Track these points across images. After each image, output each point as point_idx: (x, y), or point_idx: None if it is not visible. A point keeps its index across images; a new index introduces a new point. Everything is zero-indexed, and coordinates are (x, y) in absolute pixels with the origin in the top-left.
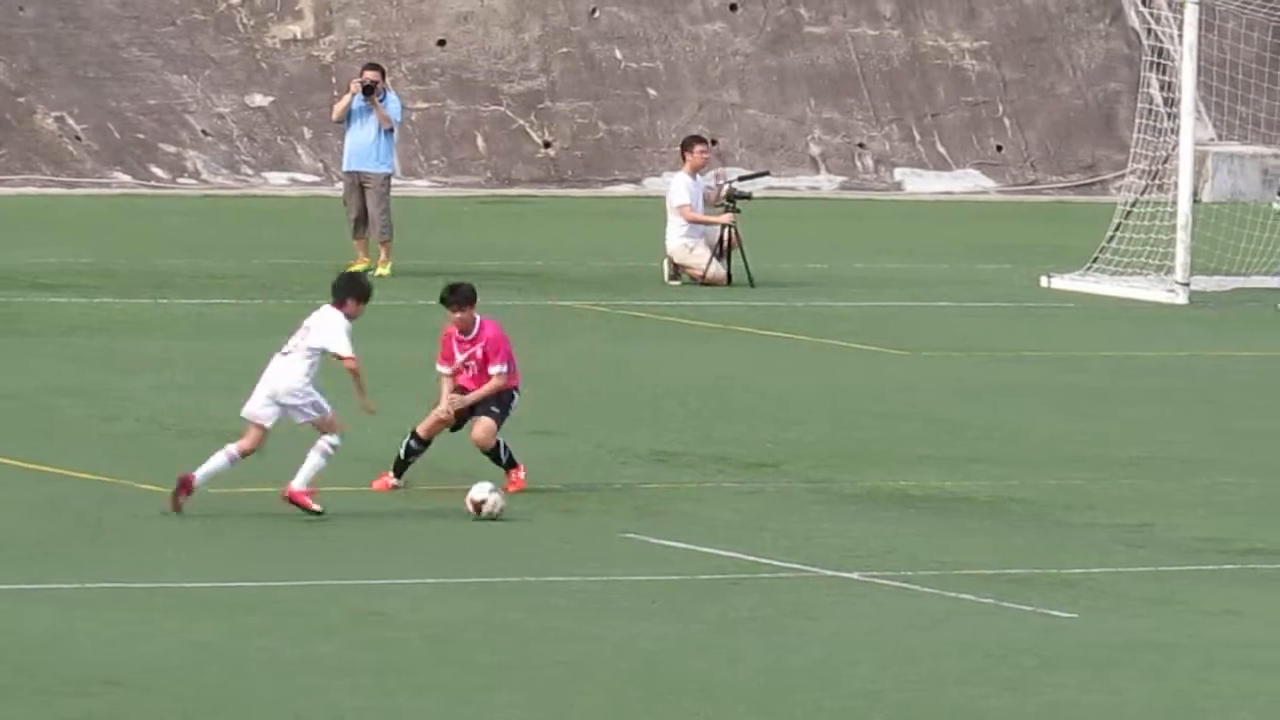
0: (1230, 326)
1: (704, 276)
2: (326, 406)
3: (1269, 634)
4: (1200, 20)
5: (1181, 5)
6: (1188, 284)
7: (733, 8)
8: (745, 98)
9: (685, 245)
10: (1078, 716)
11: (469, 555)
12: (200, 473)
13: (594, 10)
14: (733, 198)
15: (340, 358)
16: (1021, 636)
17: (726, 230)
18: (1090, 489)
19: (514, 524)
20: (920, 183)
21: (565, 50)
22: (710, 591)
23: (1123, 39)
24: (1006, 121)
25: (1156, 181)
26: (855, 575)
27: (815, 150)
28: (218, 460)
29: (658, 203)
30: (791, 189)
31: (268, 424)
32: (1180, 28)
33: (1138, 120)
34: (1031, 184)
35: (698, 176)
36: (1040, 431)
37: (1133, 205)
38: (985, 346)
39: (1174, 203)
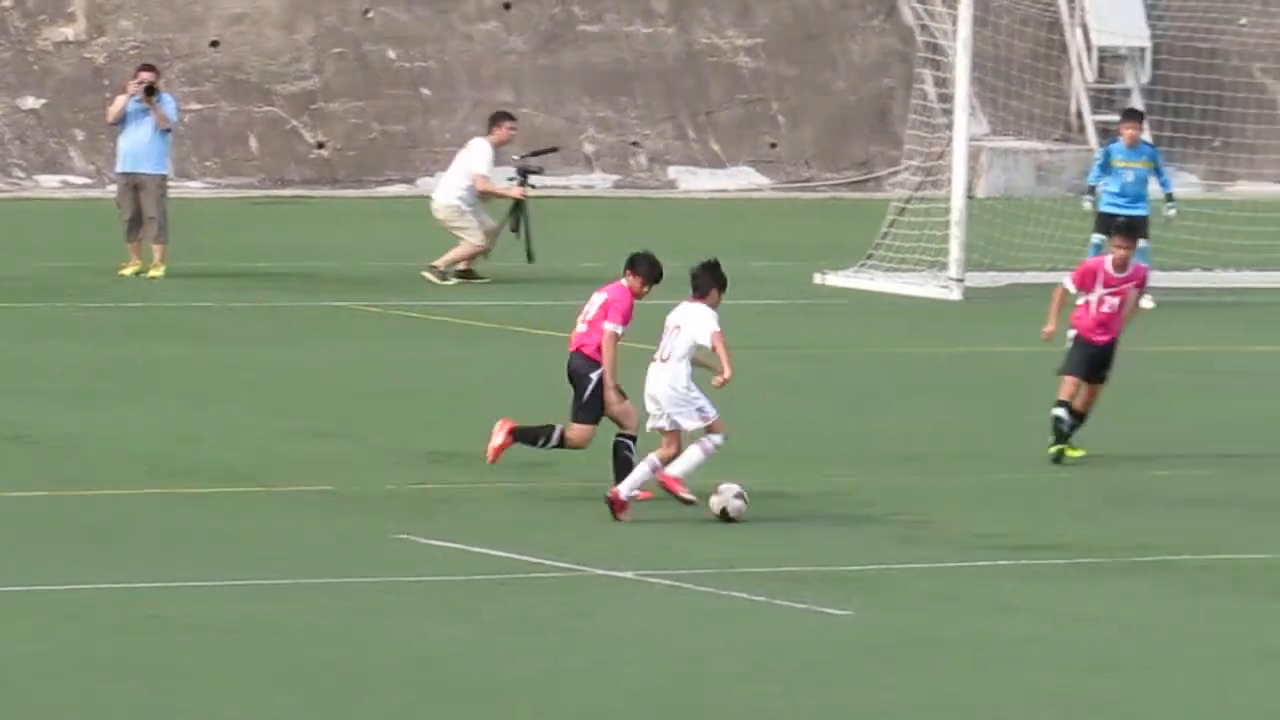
0: (1004, 321)
1: (474, 252)
2: (711, 410)
3: (1042, 629)
4: (974, 16)
5: (955, 1)
6: (962, 280)
7: (506, 7)
8: (519, 97)
9: (459, 208)
10: (851, 713)
11: (244, 558)
12: (624, 488)
13: (367, 10)
14: (524, 172)
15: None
16: (795, 634)
17: (516, 205)
18: (865, 485)
19: (289, 526)
20: (694, 181)
21: (338, 51)
22: (486, 592)
23: (897, 35)
24: (781, 119)
25: (930, 178)
26: (629, 574)
27: (589, 149)
28: (641, 470)
29: (431, 203)
30: (565, 188)
31: (668, 427)
32: (954, 23)
33: (911, 116)
34: (806, 181)
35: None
36: (815, 428)
37: (907, 201)
38: (759, 343)
39: (948, 199)
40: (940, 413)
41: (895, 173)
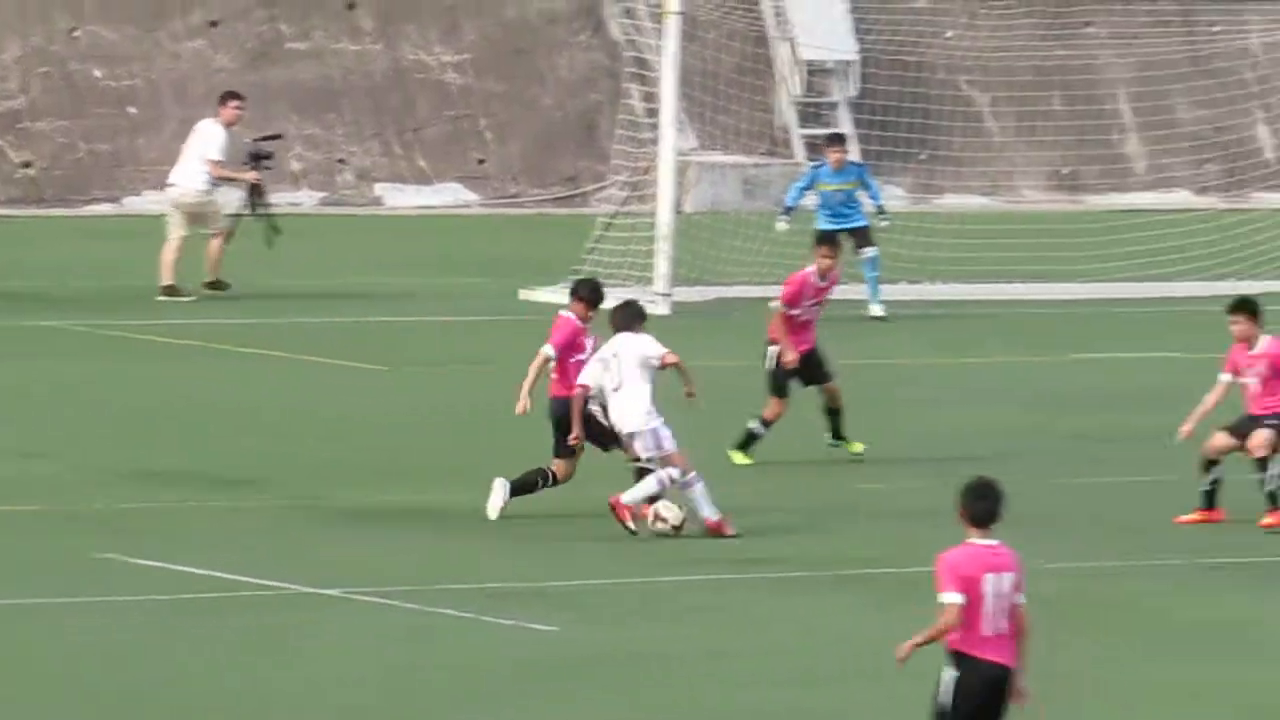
0: (711, 335)
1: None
2: (669, 443)
3: (748, 643)
4: (681, 30)
5: (662, 15)
6: (669, 294)
7: (213, 25)
8: None
9: (205, 191)
10: None
11: None
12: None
13: (73, 29)
14: (256, 156)
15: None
16: (503, 650)
17: (253, 188)
18: (569, 501)
19: None
20: (401, 197)
21: (44, 70)
22: (194, 611)
23: (604, 50)
24: (488, 134)
25: (637, 192)
26: (337, 592)
27: (296, 166)
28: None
29: (139, 221)
30: (273, 205)
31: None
32: (661, 38)
33: (618, 132)
34: (513, 196)
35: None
36: (520, 443)
37: (614, 216)
38: (466, 359)
39: (655, 213)
40: None
41: (602, 188)
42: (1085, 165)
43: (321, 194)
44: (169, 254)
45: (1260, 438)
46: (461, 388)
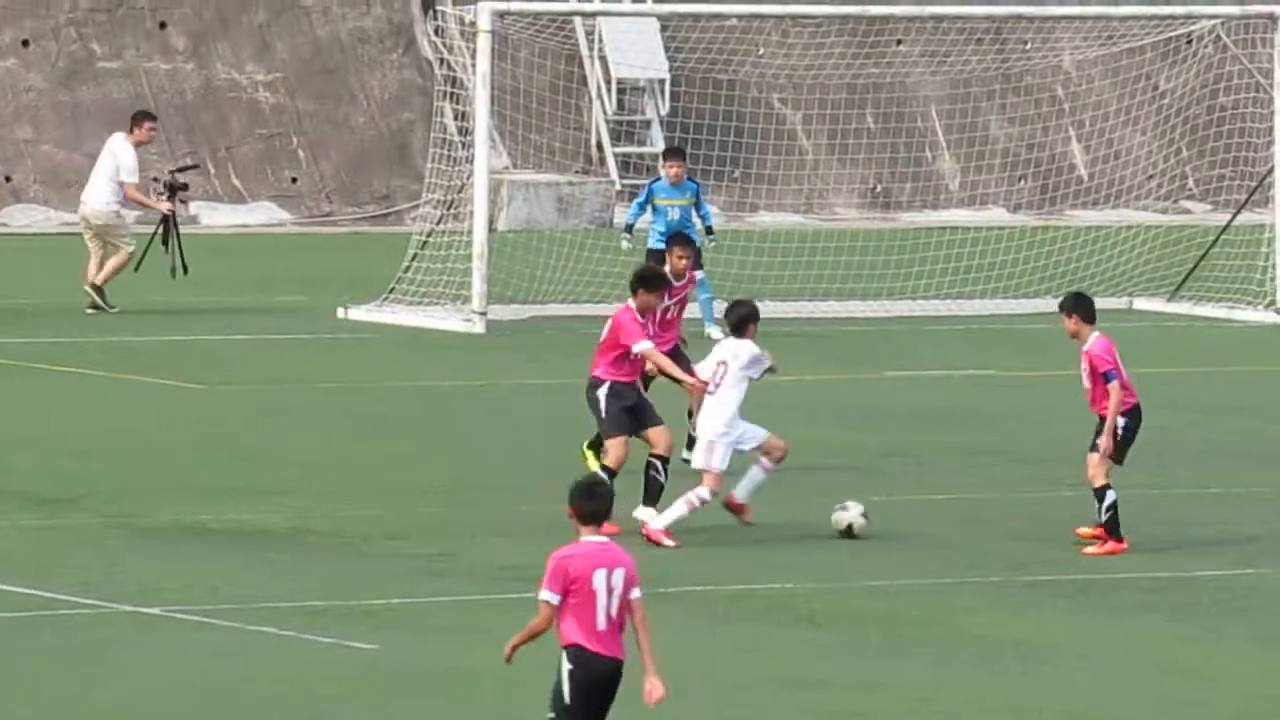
0: (527, 354)
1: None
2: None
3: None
4: (493, 49)
5: (474, 34)
6: (484, 313)
7: (24, 44)
8: (39, 134)
9: (116, 212)
10: None
11: None
12: (741, 493)
13: None
14: (173, 188)
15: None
16: (323, 668)
17: (166, 219)
18: (390, 518)
19: None
20: (216, 216)
21: None
22: (6, 630)
23: (416, 69)
24: (301, 153)
25: (452, 211)
26: (156, 610)
27: None
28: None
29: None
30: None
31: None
32: (473, 56)
33: (432, 150)
34: (327, 215)
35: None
36: (340, 461)
37: (429, 235)
38: (283, 378)
39: (470, 232)
40: (464, 445)
41: (416, 206)
42: (898, 183)
43: (137, 212)
44: (120, 260)
45: (1090, 467)
46: (280, 406)
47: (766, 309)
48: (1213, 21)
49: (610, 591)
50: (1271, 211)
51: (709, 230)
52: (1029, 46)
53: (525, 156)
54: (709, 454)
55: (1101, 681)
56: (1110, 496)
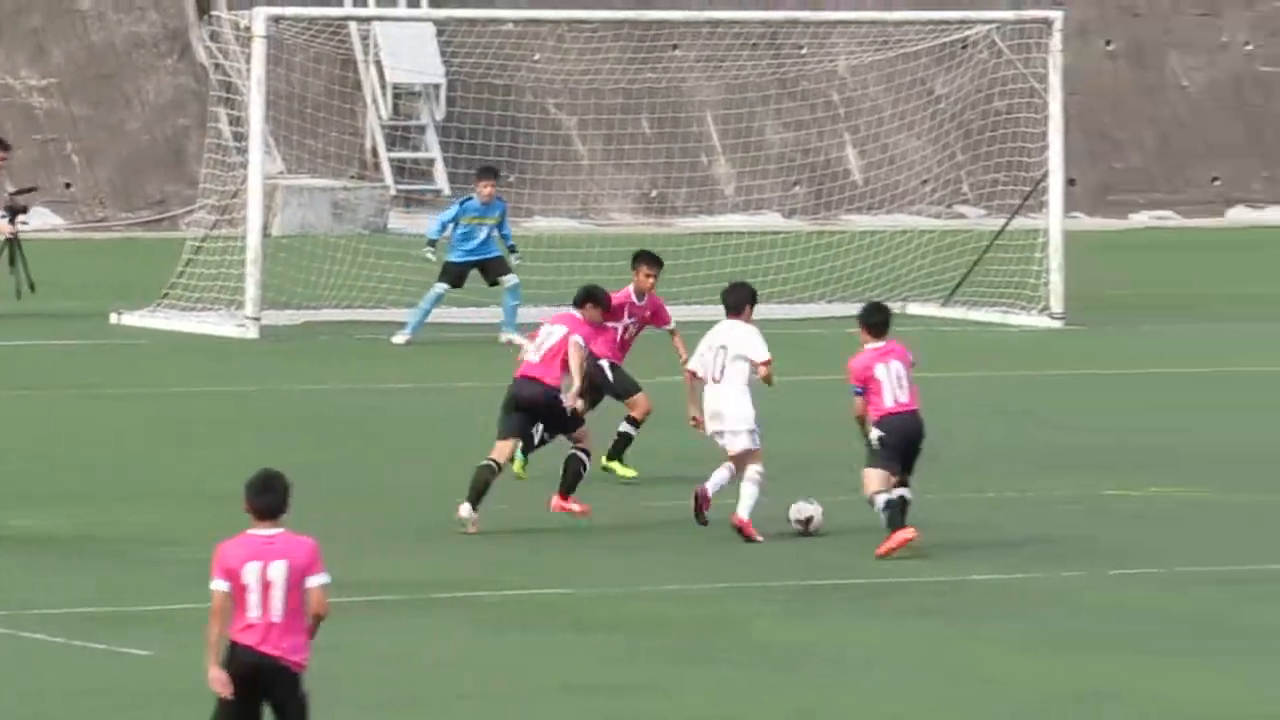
0: (301, 359)
1: None
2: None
3: (344, 668)
4: (268, 54)
5: (249, 39)
6: (258, 318)
7: None
8: None
9: None
10: None
11: None
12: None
13: None
14: (13, 210)
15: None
16: (93, 676)
17: (9, 243)
18: (167, 523)
19: None
20: None
21: None
22: None
23: (191, 74)
24: (76, 159)
25: (226, 216)
26: None
27: None
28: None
29: None
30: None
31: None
32: (248, 61)
33: (207, 155)
34: (101, 221)
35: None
36: (117, 466)
37: (203, 240)
38: (58, 384)
39: (244, 237)
40: (240, 451)
41: (191, 211)
42: (673, 188)
43: None
44: None
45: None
46: (54, 412)
47: (540, 315)
48: (988, 26)
49: (267, 586)
50: (1045, 216)
51: (512, 249)
52: (804, 51)
53: (300, 161)
54: (750, 439)
55: (886, 685)
56: (880, 501)
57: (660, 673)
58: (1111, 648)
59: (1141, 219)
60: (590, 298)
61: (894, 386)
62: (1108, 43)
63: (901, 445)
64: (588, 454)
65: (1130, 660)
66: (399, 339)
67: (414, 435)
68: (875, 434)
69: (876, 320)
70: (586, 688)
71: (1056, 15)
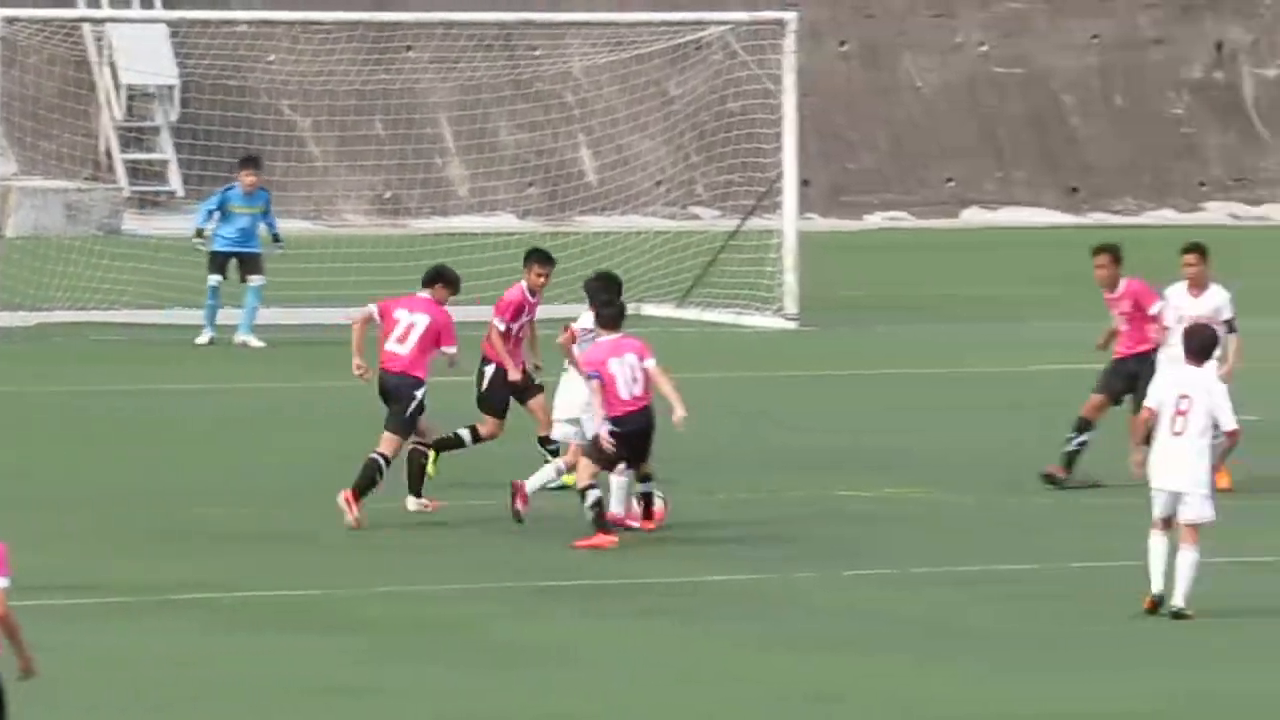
0: (36, 361)
1: None
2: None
3: (77, 672)
4: (2, 55)
5: None
6: None
7: None
8: None
9: None
10: None
11: None
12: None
13: None
14: None
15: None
16: None
17: None
18: None
19: None
20: None
21: None
22: None
23: None
24: None
25: None
26: None
27: None
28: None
29: None
30: None
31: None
32: None
33: None
34: None
35: None
36: None
37: None
38: None
39: None
40: None
41: None
42: (407, 189)
43: None
44: None
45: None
46: None
47: (276, 315)
48: (722, 28)
49: None
50: (780, 217)
51: (276, 238)
52: (538, 53)
53: (33, 163)
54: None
55: (616, 685)
56: (592, 496)
57: (398, 673)
58: (844, 648)
59: (875, 220)
60: (440, 277)
61: (628, 381)
62: (842, 44)
63: (631, 440)
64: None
65: (861, 660)
66: (201, 339)
67: (147, 437)
68: (608, 427)
69: (608, 313)
70: (322, 688)
71: (790, 16)
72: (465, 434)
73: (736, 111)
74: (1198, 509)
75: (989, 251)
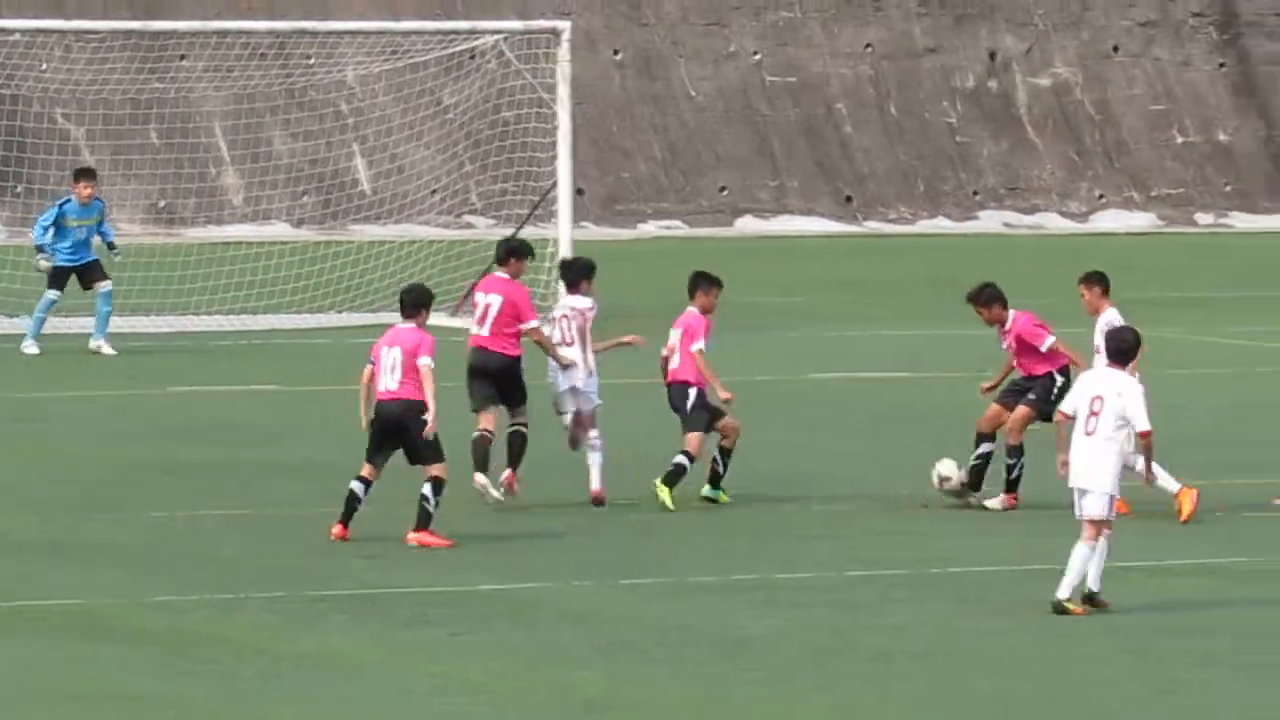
0: None
1: None
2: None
3: None
4: None
5: None
6: None
7: None
8: None
9: None
10: None
11: None
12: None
13: None
14: None
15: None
16: None
17: None
18: None
19: None
20: None
21: None
22: None
23: None
24: None
25: None
26: None
27: None
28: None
29: None
30: None
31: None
32: None
33: None
34: None
35: None
36: None
37: None
38: None
39: None
40: None
41: None
42: (182, 198)
43: None
44: None
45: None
46: None
47: (54, 324)
48: (496, 36)
49: None
50: (554, 226)
51: (111, 246)
52: (313, 62)
53: None
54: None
55: (384, 695)
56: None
57: (161, 683)
58: (618, 658)
59: (650, 228)
60: (513, 252)
61: (385, 373)
62: (616, 52)
63: (380, 434)
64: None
65: (636, 671)
66: (28, 349)
67: None
68: (365, 420)
69: (404, 299)
70: (86, 696)
71: (564, 25)
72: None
73: (511, 120)
74: (1097, 506)
75: (763, 260)
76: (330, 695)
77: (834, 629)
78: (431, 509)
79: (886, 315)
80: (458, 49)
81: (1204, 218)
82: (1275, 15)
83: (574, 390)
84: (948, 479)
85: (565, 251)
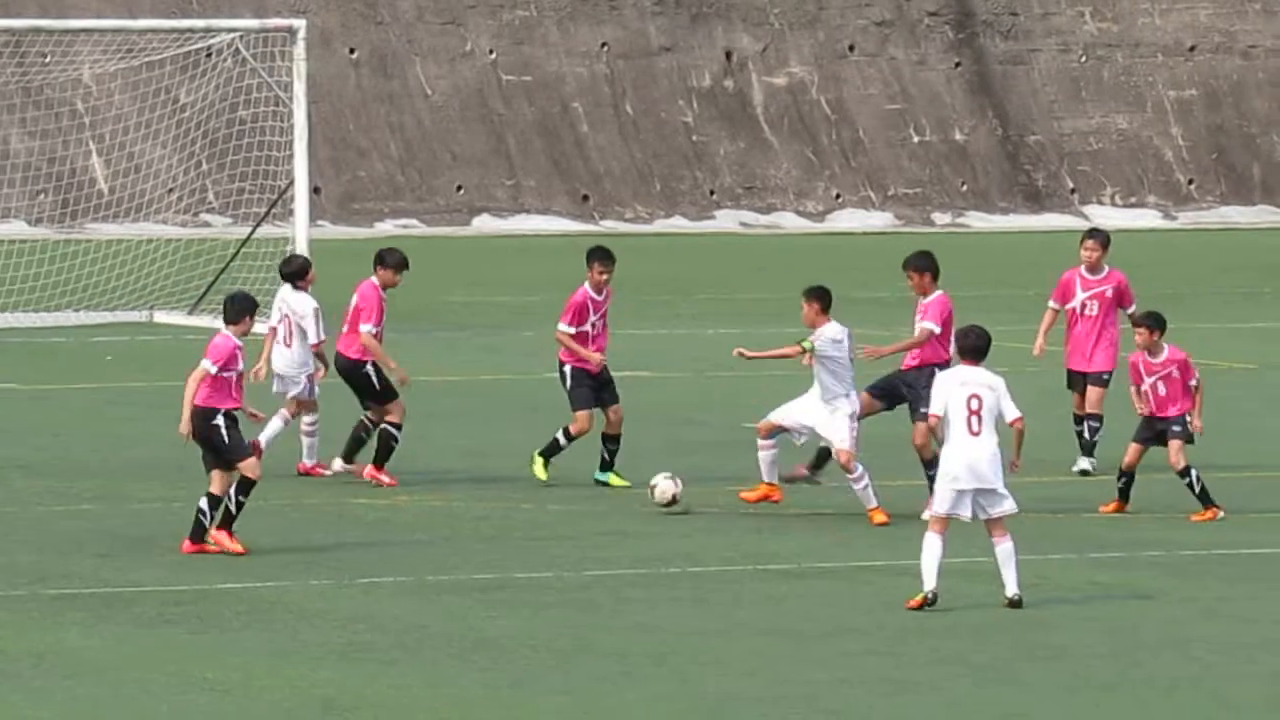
0: None
1: None
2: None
3: None
4: None
5: None
6: None
7: None
8: None
9: None
10: None
11: None
12: None
13: None
14: None
15: None
16: None
17: None
18: None
19: None
20: None
21: None
22: None
23: None
24: None
25: None
26: None
27: None
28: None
29: None
30: None
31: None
32: None
33: None
34: None
35: None
36: None
37: None
38: None
39: None
40: None
41: None
42: None
43: None
44: None
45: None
46: None
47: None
48: (232, 35)
49: None
50: (291, 225)
51: None
52: (49, 60)
53: None
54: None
55: (123, 694)
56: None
57: None
58: (359, 658)
59: (387, 227)
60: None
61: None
62: (351, 51)
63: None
64: (398, 428)
65: (377, 670)
66: None
67: None
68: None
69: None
70: None
71: (300, 24)
72: (561, 437)
73: (248, 119)
74: (1006, 502)
75: (500, 259)
76: (69, 694)
77: (572, 629)
78: (234, 509)
79: (624, 315)
80: (194, 47)
81: (941, 217)
82: (1010, 14)
83: (280, 378)
84: (674, 499)
85: (301, 251)
